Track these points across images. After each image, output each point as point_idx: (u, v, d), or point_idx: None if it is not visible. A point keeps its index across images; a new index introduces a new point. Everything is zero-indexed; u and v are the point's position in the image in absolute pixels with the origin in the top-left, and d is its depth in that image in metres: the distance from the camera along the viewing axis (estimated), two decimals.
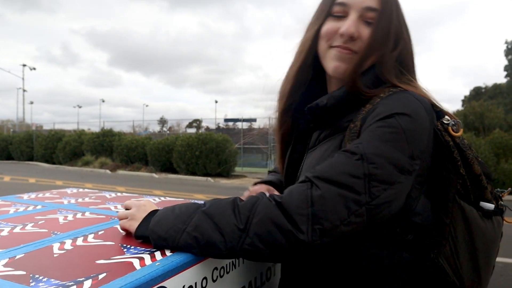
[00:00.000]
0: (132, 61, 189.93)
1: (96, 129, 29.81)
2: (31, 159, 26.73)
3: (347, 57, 0.98)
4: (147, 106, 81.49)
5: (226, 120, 29.48)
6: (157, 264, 0.74)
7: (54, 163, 24.57)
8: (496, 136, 14.13)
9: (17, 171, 19.56)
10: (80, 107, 63.79)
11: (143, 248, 0.84)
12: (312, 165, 0.97)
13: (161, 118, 63.96)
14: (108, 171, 19.92)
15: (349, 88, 0.96)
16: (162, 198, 1.56)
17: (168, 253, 0.81)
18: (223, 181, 16.63)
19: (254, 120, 26.13)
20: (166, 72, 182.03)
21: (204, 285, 0.83)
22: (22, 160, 26.94)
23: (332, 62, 1.00)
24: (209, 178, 17.27)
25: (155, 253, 0.81)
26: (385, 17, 0.96)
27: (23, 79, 43.55)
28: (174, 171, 19.11)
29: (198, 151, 17.93)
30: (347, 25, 0.96)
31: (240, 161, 21.43)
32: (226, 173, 18.34)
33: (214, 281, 0.87)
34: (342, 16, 0.98)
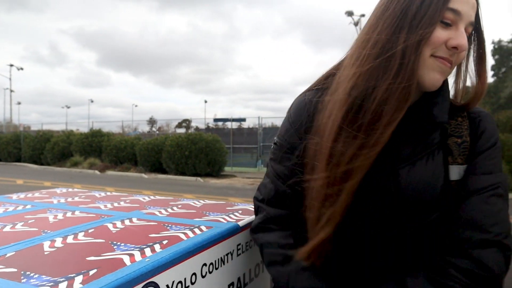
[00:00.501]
0: (121, 61, 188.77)
1: (84, 129, 29.59)
2: (18, 160, 26.43)
3: (447, 70, 0.93)
4: (136, 106, 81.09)
5: (216, 120, 29.42)
6: (146, 260, 0.75)
7: (42, 164, 24.33)
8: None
9: (4, 172, 19.33)
10: (68, 107, 63.22)
11: (133, 245, 0.85)
12: (423, 185, 0.92)
13: (151, 118, 63.67)
14: (97, 172, 19.78)
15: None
16: (152, 197, 1.57)
17: (157, 249, 0.82)
18: (213, 181, 16.61)
19: (244, 119, 26.15)
20: (156, 72, 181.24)
21: (193, 281, 0.85)
22: (9, 161, 26.63)
23: (432, 73, 0.92)
24: (199, 178, 17.24)
25: (145, 249, 0.82)
26: (481, 35, 0.97)
27: (10, 79, 43.08)
28: (164, 171, 19.05)
29: (188, 151, 17.88)
30: (462, 38, 0.89)
31: (230, 161, 21.43)
32: (216, 173, 18.33)
33: (203, 276, 0.88)
34: (450, 25, 0.90)
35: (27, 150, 25.43)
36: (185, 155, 17.90)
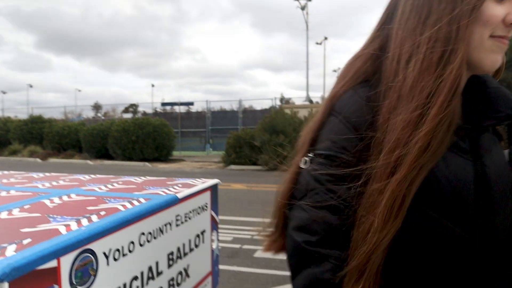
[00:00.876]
0: (62, 44, 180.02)
1: (23, 116, 28.12)
2: None
3: (504, 49, 0.83)
4: (80, 91, 77.95)
5: (163, 104, 28.90)
6: (83, 228, 0.77)
7: None
8: None
9: None
10: (4, 93, 59.64)
11: (70, 217, 0.86)
12: (506, 176, 0.85)
13: (95, 104, 61.51)
14: (38, 160, 18.98)
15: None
16: (93, 176, 1.55)
17: (95, 219, 0.84)
18: (161, 166, 16.42)
19: (192, 103, 25.89)
20: (100, 56, 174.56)
21: (131, 249, 0.87)
22: None
23: (492, 55, 0.82)
24: (147, 163, 16.98)
25: (82, 220, 0.83)
26: None
27: None
28: (110, 157, 18.58)
29: (135, 136, 17.53)
30: None
31: (178, 145, 21.22)
32: (164, 158, 18.11)
33: (141, 245, 0.90)
34: None
35: None
36: (132, 140, 17.54)
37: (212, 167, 16.19)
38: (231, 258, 4.97)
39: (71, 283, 0.71)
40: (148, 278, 0.95)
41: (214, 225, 1.38)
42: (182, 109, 25.61)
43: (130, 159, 17.78)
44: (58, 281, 0.68)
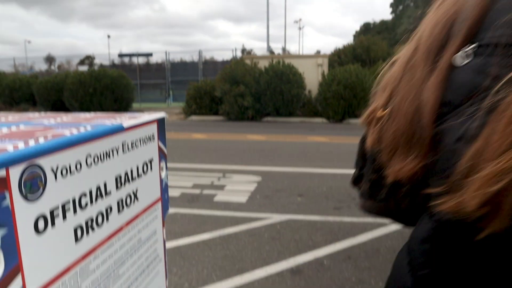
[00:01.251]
0: None
1: None
2: None
3: None
4: (29, 42, 74.01)
5: (121, 55, 27.98)
6: (31, 145, 0.84)
7: None
8: (379, 67, 15.44)
9: None
10: None
11: (18, 139, 0.92)
12: None
13: (48, 56, 58.70)
14: None
15: None
16: (43, 113, 1.59)
17: (42, 141, 0.91)
18: None
19: (150, 54, 25.21)
20: (50, 4, 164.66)
21: (77, 168, 0.95)
22: None
23: None
24: None
25: (29, 140, 0.90)
26: None
27: None
28: (67, 110, 18.11)
29: (92, 88, 17.07)
30: None
31: (138, 97, 20.85)
32: (124, 110, 17.82)
33: (88, 166, 0.98)
34: None
35: None
36: (90, 92, 17.09)
37: (173, 118, 16.12)
38: (191, 202, 5.13)
39: (20, 191, 0.79)
40: (97, 196, 1.05)
41: (162, 156, 1.47)
42: (141, 60, 24.92)
43: (87, 111, 17.43)
44: (8, 188, 0.76)
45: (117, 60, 29.22)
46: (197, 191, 5.64)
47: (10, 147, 0.81)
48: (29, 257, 0.64)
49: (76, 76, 17.75)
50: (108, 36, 56.11)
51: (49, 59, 58.16)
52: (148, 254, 1.25)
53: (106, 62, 29.06)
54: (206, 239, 4.02)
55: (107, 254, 0.97)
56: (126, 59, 28.75)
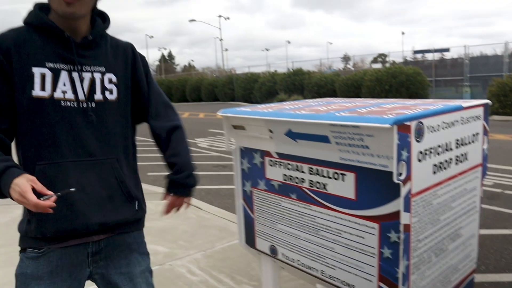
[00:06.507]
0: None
1: (282, 70, 31.70)
2: (232, 99, 30.28)
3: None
4: (331, 44, 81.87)
5: (416, 52, 28.07)
6: (417, 111, 1.46)
7: (252, 102, 27.46)
8: None
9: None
10: (267, 50, 67.82)
11: (400, 108, 1.58)
12: None
13: (345, 55, 63.75)
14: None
15: None
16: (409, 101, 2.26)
17: (420, 109, 1.53)
18: None
19: (447, 49, 24.35)
20: (348, 7, 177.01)
21: (438, 129, 1.54)
22: (225, 101, 30.72)
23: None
24: None
25: (413, 109, 1.54)
26: None
27: (220, 29, 48.34)
28: None
29: (388, 85, 17.94)
30: None
31: (432, 95, 20.61)
32: None
33: (443, 128, 1.57)
34: None
35: (239, 90, 28.94)
36: (385, 89, 18.02)
37: None
38: (491, 200, 5.14)
39: (414, 135, 1.43)
40: (445, 149, 1.62)
41: (485, 132, 1.92)
42: (436, 56, 24.41)
43: None
44: (410, 132, 1.41)
45: (409, 57, 29.43)
46: (497, 190, 5.57)
47: (407, 112, 1.47)
48: (414, 172, 1.33)
49: (373, 73, 19.00)
50: (402, 33, 56.68)
51: (345, 58, 63.06)
52: (469, 202, 1.77)
53: (398, 59, 29.66)
54: (507, 234, 4.05)
55: (446, 189, 1.60)
56: (419, 56, 28.63)
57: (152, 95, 1.56)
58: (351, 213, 1.69)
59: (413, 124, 1.47)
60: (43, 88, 1.28)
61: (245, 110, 2.12)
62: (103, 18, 1.44)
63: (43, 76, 1.28)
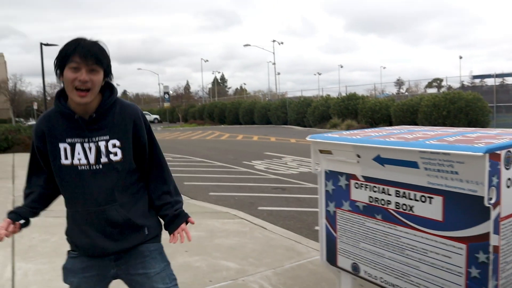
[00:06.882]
0: (367, 24, 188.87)
1: (333, 94, 31.77)
2: (285, 123, 30.60)
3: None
4: (384, 68, 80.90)
5: (476, 76, 27.28)
6: (505, 141, 1.59)
7: (305, 126, 27.64)
8: None
9: (277, 133, 22.95)
10: (320, 74, 68.17)
11: (487, 138, 1.71)
12: None
13: (398, 80, 62.82)
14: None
15: None
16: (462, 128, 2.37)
17: (505, 140, 1.66)
18: None
19: (510, 74, 23.51)
20: (402, 31, 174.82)
21: None
22: (278, 124, 31.10)
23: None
24: None
25: (501, 139, 1.67)
26: None
27: (273, 53, 49.18)
28: None
29: (445, 111, 17.56)
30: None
31: (493, 122, 19.90)
32: None
33: None
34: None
35: (292, 114, 29.25)
36: (443, 115, 17.63)
37: None
38: None
39: (504, 162, 1.56)
40: None
41: None
42: (496, 81, 23.60)
43: None
44: (500, 159, 1.54)
45: (467, 82, 28.59)
46: None
47: (495, 142, 1.60)
48: (503, 197, 1.48)
49: (430, 99, 18.68)
50: (460, 57, 55.21)
51: (399, 83, 62.11)
52: None
53: (454, 84, 28.90)
54: None
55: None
56: (477, 80, 27.77)
57: (155, 155, 1.94)
58: (438, 234, 1.82)
59: (503, 153, 1.61)
60: (66, 157, 1.77)
61: (333, 136, 2.32)
62: (111, 89, 1.84)
63: (65, 149, 1.77)
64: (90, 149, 1.77)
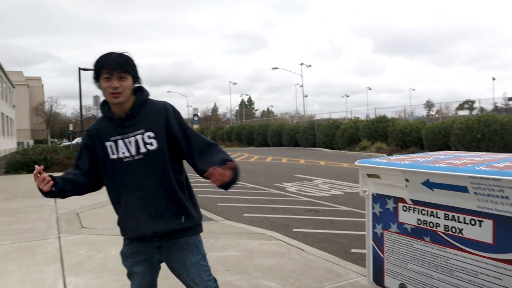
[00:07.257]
0: (394, 45, 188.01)
1: (361, 116, 31.64)
2: (313, 145, 30.60)
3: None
4: (413, 90, 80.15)
5: (511, 98, 26.74)
6: None
7: (334, 149, 27.57)
8: None
9: (306, 155, 22.97)
10: (347, 96, 68.05)
11: None
12: None
13: (428, 102, 62.06)
14: (385, 155, 21.20)
15: None
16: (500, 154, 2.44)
17: None
18: None
19: None
20: (431, 52, 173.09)
21: None
22: (306, 146, 31.13)
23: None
24: None
25: None
26: None
27: (301, 76, 49.59)
28: None
29: (480, 134, 17.28)
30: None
31: None
32: None
33: None
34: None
35: (321, 136, 29.26)
36: (477, 138, 17.35)
37: None
38: None
39: None
40: None
41: None
42: None
43: None
44: None
45: (501, 103, 28.04)
46: None
47: None
48: None
49: (463, 121, 18.42)
50: (493, 79, 54.22)
51: (428, 105, 61.38)
52: None
53: (487, 106, 28.37)
54: None
55: None
56: (511, 102, 27.20)
57: (193, 139, 2.14)
58: (488, 256, 1.89)
59: None
60: (113, 153, 2.10)
61: (381, 161, 2.43)
62: (142, 91, 2.15)
63: (111, 146, 2.10)
64: (130, 143, 2.07)
